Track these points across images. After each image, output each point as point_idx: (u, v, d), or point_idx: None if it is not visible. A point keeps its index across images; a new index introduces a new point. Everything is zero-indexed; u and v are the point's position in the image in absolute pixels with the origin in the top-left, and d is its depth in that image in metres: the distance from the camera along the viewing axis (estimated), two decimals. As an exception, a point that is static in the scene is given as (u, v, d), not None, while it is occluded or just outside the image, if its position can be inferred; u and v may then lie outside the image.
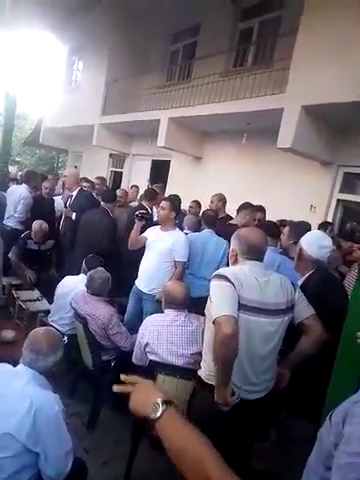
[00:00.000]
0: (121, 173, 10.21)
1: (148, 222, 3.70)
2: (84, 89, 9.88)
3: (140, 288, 3.56)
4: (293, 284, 1.97)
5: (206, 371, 1.88)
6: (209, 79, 6.34)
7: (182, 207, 5.32)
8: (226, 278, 1.75)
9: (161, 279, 3.40)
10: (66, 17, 9.90)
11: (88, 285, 2.99)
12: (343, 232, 2.19)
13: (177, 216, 3.66)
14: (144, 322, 2.52)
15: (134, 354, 2.52)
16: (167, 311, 2.48)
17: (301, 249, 2.36)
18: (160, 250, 3.45)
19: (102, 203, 4.41)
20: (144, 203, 4.55)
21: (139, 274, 3.59)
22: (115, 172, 10.62)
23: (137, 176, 9.27)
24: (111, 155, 10.46)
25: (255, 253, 1.93)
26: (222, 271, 1.84)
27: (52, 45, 12.16)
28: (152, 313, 3.35)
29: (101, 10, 8.68)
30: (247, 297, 1.76)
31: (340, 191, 5.45)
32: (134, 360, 2.52)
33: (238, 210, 4.07)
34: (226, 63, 6.75)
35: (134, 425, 2.48)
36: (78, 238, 4.39)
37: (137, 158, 9.65)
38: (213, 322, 1.67)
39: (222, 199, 4.74)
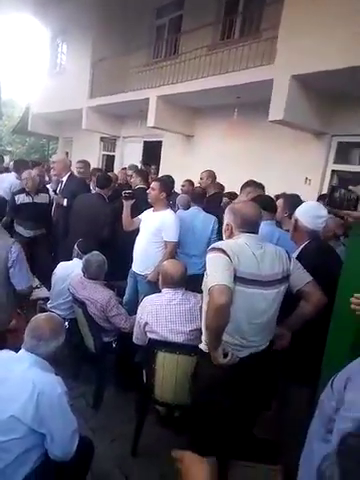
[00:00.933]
0: (113, 156, 10.09)
1: (136, 201, 3.68)
2: (70, 72, 9.65)
3: (134, 269, 3.60)
4: (288, 254, 1.98)
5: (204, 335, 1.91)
6: (197, 53, 6.20)
7: (176, 184, 5.29)
8: (222, 250, 1.77)
9: (151, 259, 3.43)
10: (46, -2, 9.59)
11: (84, 269, 2.99)
12: (333, 201, 2.18)
13: (169, 196, 3.63)
14: (142, 302, 2.53)
15: (134, 334, 2.54)
16: (164, 290, 2.49)
17: (296, 220, 2.36)
18: (149, 230, 3.46)
19: (97, 189, 4.29)
20: (141, 185, 4.48)
21: (133, 256, 3.62)
22: (107, 156, 10.49)
23: (129, 159, 9.15)
24: (102, 139, 10.31)
25: (250, 226, 1.93)
26: (218, 244, 1.86)
27: (35, 29, 11.77)
28: (146, 294, 3.41)
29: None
30: (244, 270, 1.78)
31: (334, 162, 5.40)
32: (134, 340, 2.55)
33: (242, 188, 4.03)
34: (213, 36, 6.58)
35: (138, 402, 2.52)
36: (72, 226, 4.31)
37: (128, 140, 9.52)
38: (209, 290, 1.70)
39: (211, 175, 4.70)
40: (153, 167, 6.71)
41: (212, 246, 1.85)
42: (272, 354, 2.00)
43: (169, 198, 3.70)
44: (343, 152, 5.35)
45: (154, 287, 3.44)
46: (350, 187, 1.94)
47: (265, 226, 2.80)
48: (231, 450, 1.93)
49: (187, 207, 4.26)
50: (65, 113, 9.82)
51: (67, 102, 9.20)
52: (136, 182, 4.34)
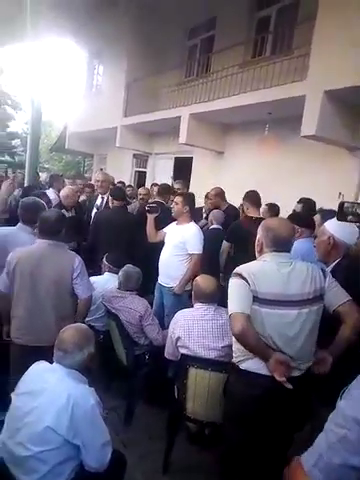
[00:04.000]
0: (145, 173, 10.29)
1: (160, 214, 3.78)
2: (105, 92, 10.02)
3: (160, 282, 3.68)
4: (323, 271, 1.92)
5: (237, 353, 1.89)
6: (228, 72, 6.27)
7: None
8: (241, 276, 1.81)
9: (176, 272, 3.49)
10: (84, 21, 10.03)
11: (123, 281, 3.06)
12: (342, 215, 2.18)
13: (192, 210, 3.70)
14: (174, 317, 2.54)
15: (166, 348, 2.55)
16: (197, 305, 2.49)
17: (332, 236, 2.27)
18: (173, 243, 3.54)
19: (114, 202, 4.26)
20: (158, 198, 4.54)
21: (159, 269, 3.68)
22: (139, 172, 10.72)
23: (160, 174, 9.31)
24: (135, 155, 10.56)
25: (279, 244, 1.90)
26: (239, 268, 1.87)
27: (73, 51, 12.36)
28: (171, 306, 3.51)
29: (117, 11, 8.76)
30: (266, 291, 1.78)
31: (370, 176, 5.24)
32: (166, 355, 2.55)
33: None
34: (244, 54, 6.64)
35: (170, 419, 2.50)
36: (97, 239, 4.23)
37: (160, 157, 9.69)
38: (229, 316, 1.80)
39: (219, 193, 4.69)
40: (179, 181, 6.68)
41: (234, 271, 1.88)
42: (307, 376, 1.93)
43: (192, 212, 3.75)
44: (378, 167, 5.20)
45: (179, 299, 3.51)
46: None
47: (304, 243, 2.76)
48: (263, 471, 1.87)
49: (222, 222, 4.30)
50: (100, 131, 10.15)
51: (102, 121, 9.52)
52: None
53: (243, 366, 1.85)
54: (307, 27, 4.78)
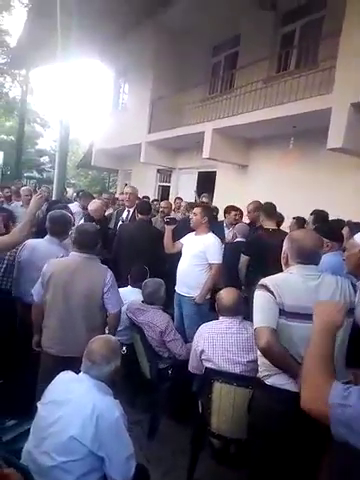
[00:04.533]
0: (168, 187, 10.42)
1: (177, 225, 3.89)
2: (131, 110, 10.29)
3: (178, 291, 3.70)
4: (353, 285, 1.87)
5: (262, 367, 1.86)
6: (252, 87, 6.32)
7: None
8: (266, 288, 1.79)
9: (195, 281, 3.54)
10: (110, 41, 10.43)
11: (145, 295, 3.07)
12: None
13: (210, 221, 3.76)
14: (199, 330, 2.52)
15: (190, 362, 2.52)
16: (221, 318, 2.47)
17: None
18: (192, 253, 3.58)
19: (139, 216, 4.33)
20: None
21: (177, 279, 3.70)
22: (163, 186, 10.86)
23: (184, 189, 9.40)
24: (158, 170, 10.72)
25: (306, 257, 1.87)
26: (264, 280, 1.85)
27: (99, 71, 12.83)
28: (191, 317, 3.52)
29: (142, 31, 9.05)
30: (291, 303, 1.75)
31: None
32: (190, 368, 2.52)
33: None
34: (269, 69, 6.69)
35: (194, 434, 2.46)
36: (120, 252, 4.30)
37: (183, 171, 9.80)
38: (255, 329, 1.78)
39: (258, 207, 4.64)
40: (204, 195, 6.72)
41: (259, 282, 1.85)
42: None
43: (210, 223, 3.80)
44: None
45: (200, 309, 3.53)
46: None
47: (333, 257, 2.71)
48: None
49: (247, 236, 4.27)
50: (125, 148, 10.39)
51: (128, 138, 9.75)
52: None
53: (269, 381, 1.80)
54: (332, 41, 4.78)
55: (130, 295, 3.36)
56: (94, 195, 6.82)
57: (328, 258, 2.66)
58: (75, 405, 1.69)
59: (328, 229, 2.97)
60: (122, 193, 6.08)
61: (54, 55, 7.00)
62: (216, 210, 5.51)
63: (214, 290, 3.67)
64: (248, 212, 4.67)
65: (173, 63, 8.88)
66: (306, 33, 6.43)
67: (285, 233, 3.60)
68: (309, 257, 1.86)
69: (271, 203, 3.90)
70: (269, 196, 4.93)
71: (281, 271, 1.98)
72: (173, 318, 3.69)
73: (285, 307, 1.74)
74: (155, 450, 2.66)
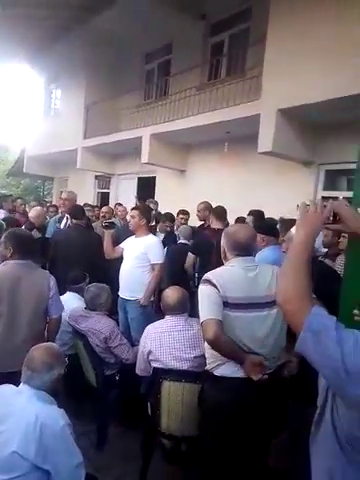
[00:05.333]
0: (108, 193, 10.27)
1: (115, 230, 3.93)
2: (64, 115, 10.00)
3: (122, 296, 3.67)
4: None
5: (210, 359, 1.91)
6: (186, 93, 6.49)
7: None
8: (210, 282, 1.85)
9: (138, 283, 3.55)
10: (40, 48, 10.11)
11: (87, 300, 2.97)
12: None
13: (149, 223, 3.84)
14: (145, 330, 2.50)
15: (137, 365, 2.49)
16: (167, 317, 2.47)
17: None
18: (134, 255, 3.59)
19: (74, 220, 4.21)
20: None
21: (120, 283, 3.68)
22: (102, 193, 10.68)
23: (124, 195, 9.32)
24: (97, 177, 10.53)
25: (242, 249, 1.96)
26: (207, 275, 1.91)
27: (28, 76, 12.32)
28: (137, 319, 3.51)
29: (72, 37, 8.85)
30: (234, 295, 1.83)
31: (324, 189, 5.54)
32: (138, 371, 2.49)
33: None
34: (201, 77, 6.92)
35: (144, 437, 2.43)
36: (57, 258, 4.10)
37: (123, 177, 9.73)
38: (201, 323, 1.83)
39: (208, 207, 4.79)
40: (151, 201, 6.71)
41: (203, 277, 1.91)
42: (281, 379, 1.96)
43: (149, 224, 3.88)
44: (331, 179, 5.52)
45: (145, 311, 3.53)
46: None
47: (272, 251, 2.85)
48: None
49: (190, 238, 4.35)
50: (60, 154, 10.07)
51: (62, 143, 9.47)
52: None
53: (217, 372, 1.85)
54: (258, 50, 5.08)
55: (71, 301, 3.23)
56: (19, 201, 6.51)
57: (266, 252, 2.81)
58: (16, 418, 1.58)
59: (263, 225, 3.13)
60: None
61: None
62: (162, 216, 5.52)
63: (158, 291, 3.69)
64: (198, 211, 4.78)
65: (106, 69, 8.81)
66: (234, 43, 6.77)
67: (220, 230, 3.75)
68: (244, 248, 1.96)
69: (221, 206, 4.05)
70: (208, 199, 5.09)
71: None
72: (118, 323, 3.65)
73: (228, 299, 1.81)
74: (105, 459, 2.58)
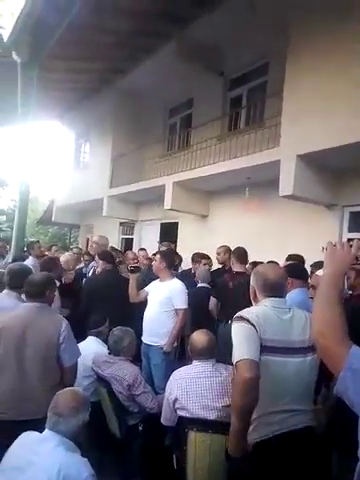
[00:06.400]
0: (132, 239, 10.48)
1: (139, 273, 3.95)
2: (92, 167, 10.53)
3: (145, 342, 3.60)
4: None
5: None
6: (207, 143, 6.75)
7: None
8: (247, 320, 1.72)
9: (163, 329, 3.49)
10: (70, 107, 10.98)
11: (110, 344, 2.94)
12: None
13: (171, 266, 3.82)
14: (171, 377, 2.43)
15: (163, 414, 2.40)
16: (195, 362, 2.40)
17: None
18: (158, 300, 3.56)
19: (101, 263, 4.25)
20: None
21: (143, 328, 3.62)
22: (126, 239, 10.90)
23: (147, 240, 9.48)
24: (121, 223, 10.81)
25: (274, 289, 1.89)
26: (243, 312, 1.80)
27: (60, 132, 13.18)
28: (161, 366, 3.43)
29: (102, 95, 9.63)
30: (271, 338, 1.72)
31: (349, 230, 5.46)
32: (163, 421, 2.39)
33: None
34: (221, 128, 7.22)
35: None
36: (91, 305, 4.08)
37: (146, 223, 9.95)
38: (235, 365, 1.65)
39: (228, 250, 4.80)
40: (164, 244, 6.80)
41: (237, 314, 1.80)
42: (314, 434, 1.80)
43: (172, 268, 3.88)
44: (355, 221, 5.45)
45: (168, 358, 3.46)
46: None
47: (298, 294, 2.77)
48: None
49: (208, 281, 4.32)
50: (87, 203, 10.47)
51: (89, 193, 9.89)
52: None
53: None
54: (276, 100, 5.30)
55: (91, 346, 3.20)
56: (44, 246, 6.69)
57: (293, 295, 2.73)
58: (39, 467, 1.53)
59: (292, 268, 3.07)
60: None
61: (13, 118, 7.22)
62: (179, 257, 5.58)
63: (181, 337, 3.63)
64: (217, 254, 4.79)
65: (132, 123, 9.39)
66: (252, 95, 7.11)
67: (246, 274, 3.72)
68: (276, 289, 1.89)
69: (242, 248, 4.04)
70: (229, 243, 5.12)
71: (240, 309, 1.95)
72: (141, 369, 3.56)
73: (263, 341, 1.69)
74: None
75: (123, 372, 2.76)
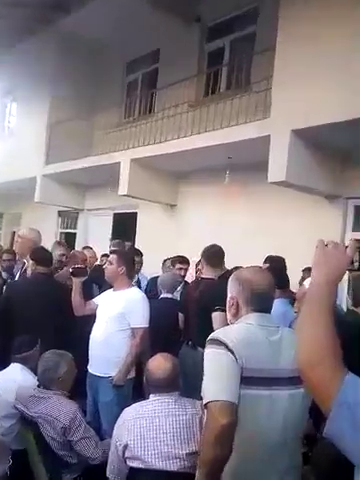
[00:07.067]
0: (74, 234, 10.39)
1: (87, 278, 3.90)
2: (21, 136, 10.29)
3: (91, 371, 3.56)
4: None
5: None
6: (176, 111, 6.75)
7: (155, 266, 5.39)
8: (224, 345, 1.69)
9: (115, 355, 3.44)
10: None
11: (39, 374, 2.89)
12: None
13: (131, 272, 3.80)
14: (120, 417, 2.42)
15: (109, 465, 2.39)
16: (152, 397, 2.40)
17: None
18: (109, 315, 3.51)
19: (35, 267, 4.11)
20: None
21: (89, 353, 3.58)
22: (67, 233, 10.80)
23: (95, 236, 9.40)
24: (60, 213, 10.65)
25: (262, 301, 1.90)
26: (219, 334, 1.79)
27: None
28: (109, 404, 3.37)
29: (36, 42, 9.34)
30: (255, 366, 1.71)
31: (353, 229, 5.63)
32: (109, 474, 2.38)
33: None
34: (196, 91, 7.27)
35: None
36: (12, 320, 3.96)
37: (94, 213, 9.87)
38: (205, 405, 1.64)
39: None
40: (116, 241, 6.79)
41: (212, 336, 1.78)
42: None
43: (132, 274, 3.86)
44: (362, 217, 5.64)
45: (121, 393, 3.40)
46: None
47: (278, 305, 2.83)
48: None
49: (172, 290, 4.34)
50: (12, 184, 10.22)
51: (16, 170, 9.66)
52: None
53: None
54: (266, 58, 5.37)
55: (14, 375, 3.12)
56: None
57: (276, 305, 2.78)
58: None
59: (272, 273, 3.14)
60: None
61: None
62: (139, 253, 5.55)
63: (139, 366, 3.59)
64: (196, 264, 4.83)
65: (77, 80, 9.24)
66: (237, 50, 7.21)
67: (211, 280, 3.77)
68: (265, 301, 1.90)
69: (216, 246, 4.02)
70: (204, 241, 5.13)
71: (206, 329, 1.93)
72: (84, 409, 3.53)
73: (245, 371, 1.68)
74: None
75: (57, 411, 2.71)
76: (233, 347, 1.68)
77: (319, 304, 1.10)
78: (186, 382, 2.74)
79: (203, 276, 3.96)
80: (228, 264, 4.83)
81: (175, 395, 2.38)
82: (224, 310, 2.10)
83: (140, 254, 5.67)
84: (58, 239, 10.61)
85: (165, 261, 5.58)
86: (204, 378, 1.71)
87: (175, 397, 2.37)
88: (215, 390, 1.64)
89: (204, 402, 1.65)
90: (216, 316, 3.33)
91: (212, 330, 2.04)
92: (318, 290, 1.14)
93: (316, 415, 1.83)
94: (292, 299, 3.22)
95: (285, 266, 4.18)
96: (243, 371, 1.67)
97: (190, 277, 5.27)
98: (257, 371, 1.71)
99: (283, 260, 4.30)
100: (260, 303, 1.89)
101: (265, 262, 4.37)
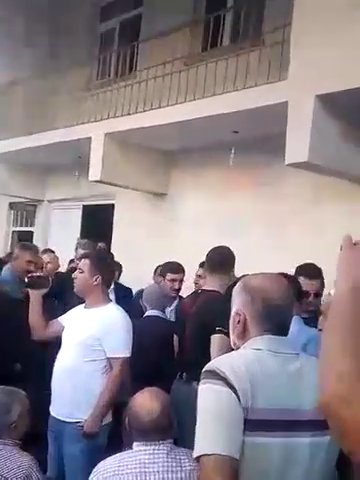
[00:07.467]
0: (31, 233, 10.38)
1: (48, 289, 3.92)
2: None
3: (55, 415, 3.55)
4: None
5: None
6: (165, 70, 6.73)
7: (139, 274, 5.38)
8: (223, 379, 1.67)
9: (85, 393, 3.44)
10: None
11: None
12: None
13: (108, 282, 3.85)
14: (95, 473, 2.42)
15: None
16: (136, 447, 2.40)
17: None
18: (78, 340, 3.51)
19: None
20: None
21: (52, 391, 3.58)
22: (20, 232, 10.80)
23: (59, 234, 9.40)
24: (12, 205, 10.63)
25: (278, 319, 1.89)
26: (218, 363, 1.78)
27: None
28: (78, 458, 3.36)
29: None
30: (265, 406, 1.70)
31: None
32: None
33: None
34: (191, 43, 7.28)
35: None
36: None
37: (57, 205, 9.89)
38: (197, 459, 1.62)
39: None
40: (82, 241, 6.79)
41: (208, 367, 1.76)
42: None
43: (108, 284, 3.89)
44: None
45: (92, 445, 3.40)
46: None
47: (294, 324, 2.85)
48: None
49: (160, 307, 4.35)
50: None
51: None
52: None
53: None
54: (283, 2, 5.37)
55: None
56: None
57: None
58: None
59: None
60: None
61: None
62: (119, 265, 5.57)
63: (117, 407, 3.59)
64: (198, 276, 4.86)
65: (36, 28, 9.24)
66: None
67: (214, 293, 3.77)
68: (281, 319, 1.89)
69: (224, 248, 4.04)
70: (202, 240, 5.14)
71: (203, 357, 1.92)
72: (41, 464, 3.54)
73: (250, 413, 1.66)
74: None
75: (5, 468, 2.70)
76: (235, 382, 1.65)
77: (346, 318, 1.09)
78: (181, 426, 2.74)
79: (204, 287, 3.95)
80: (235, 272, 4.85)
81: (167, 444, 2.38)
82: (227, 332, 2.08)
83: (119, 266, 5.74)
84: (8, 239, 10.62)
85: (157, 268, 5.58)
86: (197, 423, 1.68)
87: (167, 447, 2.37)
88: (210, 440, 1.62)
89: (195, 455, 1.62)
90: (215, 339, 3.33)
91: (210, 358, 2.03)
92: (343, 298, 1.14)
93: (343, 468, 1.86)
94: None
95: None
96: (248, 413, 1.65)
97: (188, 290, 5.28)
98: (268, 412, 1.69)
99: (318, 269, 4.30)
100: (275, 320, 1.88)
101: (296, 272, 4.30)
